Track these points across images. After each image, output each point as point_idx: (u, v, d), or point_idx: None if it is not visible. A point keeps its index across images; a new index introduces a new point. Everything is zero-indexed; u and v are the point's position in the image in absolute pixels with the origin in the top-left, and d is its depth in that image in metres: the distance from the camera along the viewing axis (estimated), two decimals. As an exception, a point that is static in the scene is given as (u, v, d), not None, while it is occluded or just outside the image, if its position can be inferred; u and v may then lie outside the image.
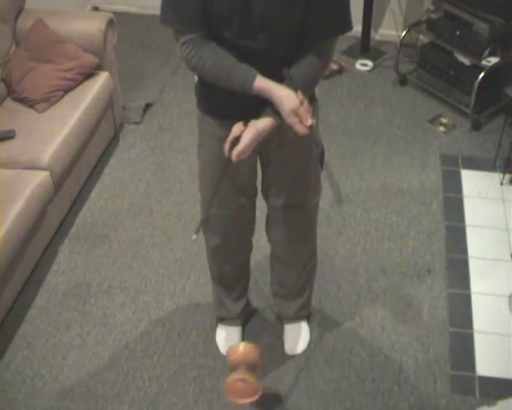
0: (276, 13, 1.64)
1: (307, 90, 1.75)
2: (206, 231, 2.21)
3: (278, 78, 1.71)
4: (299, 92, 1.67)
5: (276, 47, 1.71)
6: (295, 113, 1.65)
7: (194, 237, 1.84)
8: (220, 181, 1.87)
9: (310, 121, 1.64)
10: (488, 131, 3.52)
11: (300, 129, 1.66)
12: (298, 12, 1.66)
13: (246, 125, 1.74)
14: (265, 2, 1.62)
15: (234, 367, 2.04)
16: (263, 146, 1.93)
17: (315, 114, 1.98)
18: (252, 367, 2.03)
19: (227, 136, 1.86)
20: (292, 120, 1.66)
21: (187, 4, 1.65)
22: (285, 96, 1.66)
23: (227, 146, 1.76)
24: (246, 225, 2.21)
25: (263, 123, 1.73)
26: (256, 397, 2.00)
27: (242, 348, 2.04)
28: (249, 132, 1.72)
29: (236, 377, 1.99)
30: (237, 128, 1.75)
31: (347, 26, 1.73)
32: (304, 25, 1.69)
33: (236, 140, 1.74)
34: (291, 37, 1.71)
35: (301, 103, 1.65)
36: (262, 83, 1.69)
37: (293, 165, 1.98)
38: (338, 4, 1.69)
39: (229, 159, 1.76)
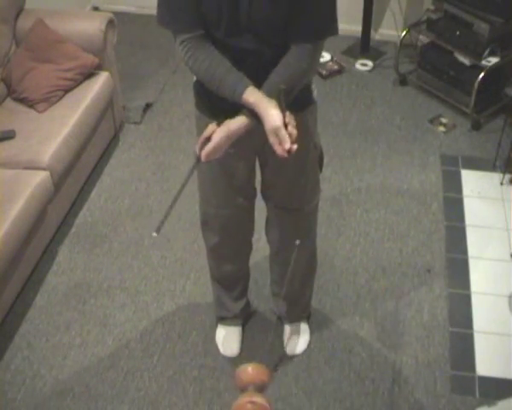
0: (263, 14, 1.64)
1: (290, 91, 1.71)
2: (205, 230, 2.21)
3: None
4: (287, 114, 1.63)
5: (265, 47, 1.70)
6: (276, 133, 1.62)
7: (154, 234, 1.81)
8: (188, 179, 1.83)
9: (288, 146, 1.59)
10: (488, 131, 3.52)
11: (279, 150, 1.62)
12: (285, 14, 1.65)
13: (220, 124, 1.72)
14: (252, 4, 1.62)
15: (242, 388, 2.01)
16: (260, 146, 1.93)
17: (312, 117, 1.97)
18: (261, 388, 2.01)
19: None
20: (272, 140, 1.63)
21: (183, 4, 1.65)
22: (269, 114, 1.62)
23: (198, 145, 1.75)
24: (244, 226, 2.21)
25: (237, 123, 1.70)
26: None
27: (251, 368, 2.00)
28: (220, 132, 1.70)
29: (246, 400, 1.95)
30: (210, 128, 1.72)
31: (332, 30, 1.69)
32: (289, 26, 1.67)
33: (208, 140, 1.72)
34: (279, 38, 1.70)
35: (286, 126, 1.61)
36: (251, 96, 1.66)
37: (289, 165, 1.97)
38: (323, 8, 1.66)
39: (199, 158, 1.75)
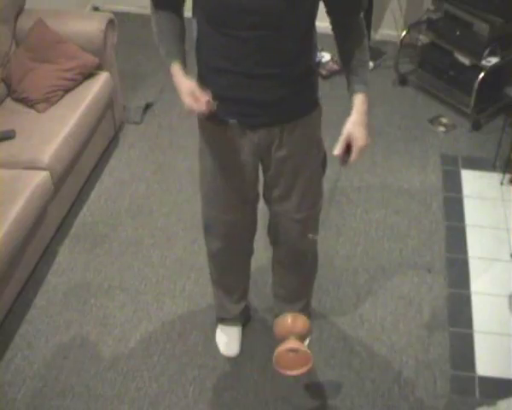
0: (272, 5, 1.62)
1: (365, 60, 1.84)
2: (207, 235, 2.21)
3: (280, 72, 1.73)
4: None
5: (274, 39, 1.68)
6: (192, 94, 1.68)
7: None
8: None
9: (206, 97, 1.66)
10: (488, 131, 3.52)
11: (194, 107, 1.68)
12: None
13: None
14: None
15: (282, 338, 2.00)
16: (265, 150, 1.92)
17: (317, 122, 1.97)
18: (301, 337, 1.99)
19: (227, 140, 1.86)
20: (186, 101, 1.69)
21: None
22: (181, 83, 1.73)
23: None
24: (247, 230, 2.20)
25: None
26: (309, 366, 1.96)
27: (291, 318, 2.00)
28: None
29: (287, 347, 1.93)
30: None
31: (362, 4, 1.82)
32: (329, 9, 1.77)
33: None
34: (293, 30, 1.69)
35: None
36: (173, 72, 1.78)
37: (292, 169, 1.97)
38: None
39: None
